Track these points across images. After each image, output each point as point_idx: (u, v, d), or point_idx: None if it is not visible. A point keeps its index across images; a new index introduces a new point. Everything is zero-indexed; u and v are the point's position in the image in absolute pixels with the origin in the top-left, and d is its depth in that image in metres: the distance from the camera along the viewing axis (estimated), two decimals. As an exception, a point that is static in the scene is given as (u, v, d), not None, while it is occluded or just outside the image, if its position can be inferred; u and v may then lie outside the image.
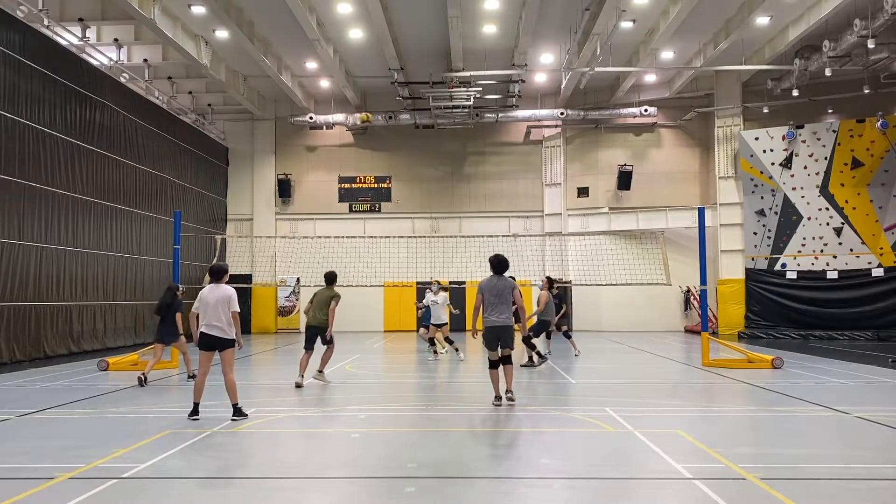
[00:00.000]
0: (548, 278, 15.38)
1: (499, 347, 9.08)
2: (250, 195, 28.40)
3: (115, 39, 20.37)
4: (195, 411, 8.28)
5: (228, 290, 8.37)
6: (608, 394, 10.38)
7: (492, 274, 9.15)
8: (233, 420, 8.11)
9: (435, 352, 15.97)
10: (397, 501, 5.20)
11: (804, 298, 23.03)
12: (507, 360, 9.13)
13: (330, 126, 27.51)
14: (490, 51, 22.47)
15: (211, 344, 8.29)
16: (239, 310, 8.39)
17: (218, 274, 8.59)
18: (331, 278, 11.64)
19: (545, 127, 28.05)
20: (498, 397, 9.11)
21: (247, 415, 8.33)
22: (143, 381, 11.24)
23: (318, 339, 11.38)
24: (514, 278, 9.78)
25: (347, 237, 20.32)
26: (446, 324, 15.90)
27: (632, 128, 27.62)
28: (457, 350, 15.92)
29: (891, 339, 20.68)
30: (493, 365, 9.15)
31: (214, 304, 8.27)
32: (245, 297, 26.04)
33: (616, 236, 25.57)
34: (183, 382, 11.93)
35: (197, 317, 8.41)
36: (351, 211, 28.30)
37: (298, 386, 11.04)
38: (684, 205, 26.13)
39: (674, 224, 25.74)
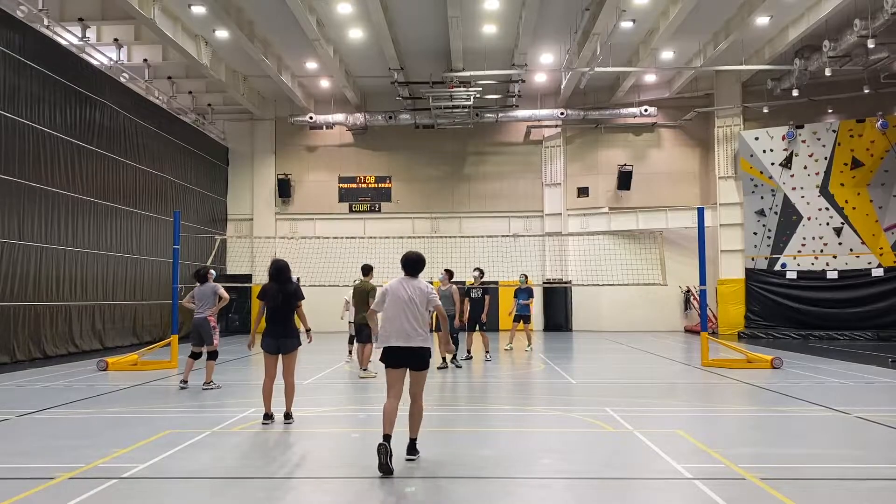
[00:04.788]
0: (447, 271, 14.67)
1: None
2: (250, 195, 28.39)
3: (115, 39, 20.37)
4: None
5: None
6: (608, 394, 10.38)
7: None
8: (204, 388, 10.56)
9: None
10: (397, 501, 5.20)
11: (804, 298, 23.03)
12: None
13: (330, 126, 27.51)
14: (490, 51, 22.47)
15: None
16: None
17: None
18: (363, 271, 12.70)
19: (545, 127, 28.05)
20: None
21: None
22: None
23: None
24: None
25: (347, 237, 20.26)
26: None
27: (632, 128, 27.62)
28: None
29: (891, 339, 20.67)
30: None
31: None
32: (245, 297, 26.03)
33: (616, 236, 25.57)
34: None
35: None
36: (351, 211, 28.29)
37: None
38: (684, 205, 26.13)
39: (674, 224, 25.74)
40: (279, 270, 8.22)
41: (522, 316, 17.66)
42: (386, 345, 6.36)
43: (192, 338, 11.28)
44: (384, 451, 5.75)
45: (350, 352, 15.81)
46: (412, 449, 6.36)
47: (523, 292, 17.76)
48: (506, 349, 18.00)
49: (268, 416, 8.00)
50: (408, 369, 6.40)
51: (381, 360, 6.41)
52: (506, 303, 25.15)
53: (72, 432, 7.67)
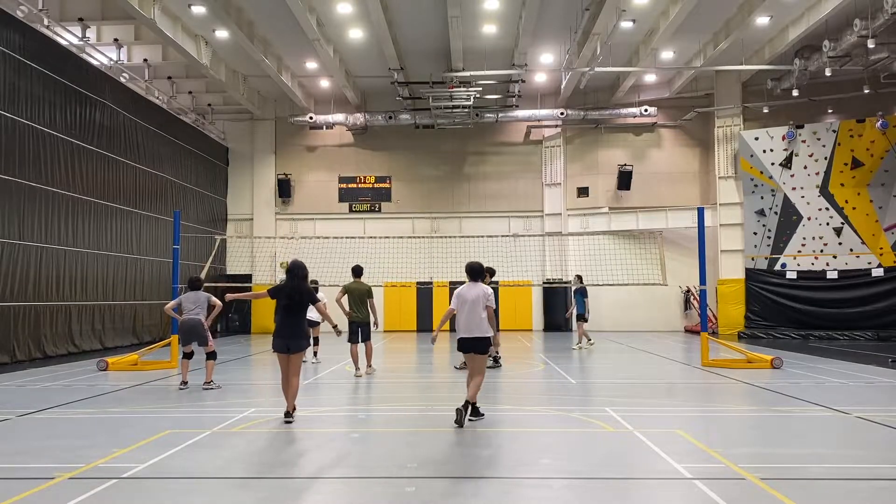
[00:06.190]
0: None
1: None
2: (250, 195, 28.40)
3: (115, 39, 20.38)
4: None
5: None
6: (608, 394, 10.38)
7: None
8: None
9: None
10: (397, 501, 5.20)
11: (804, 298, 23.03)
12: None
13: (330, 126, 27.52)
14: (490, 51, 22.47)
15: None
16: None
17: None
18: (358, 271, 12.88)
19: (545, 127, 28.05)
20: None
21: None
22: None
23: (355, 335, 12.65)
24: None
25: (347, 237, 20.27)
26: None
27: (632, 128, 27.63)
28: None
29: (891, 339, 20.67)
30: None
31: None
32: (245, 297, 25.99)
33: (616, 236, 25.58)
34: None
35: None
36: (351, 211, 28.30)
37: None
38: (684, 205, 26.13)
39: (674, 224, 25.75)
40: (295, 268, 8.38)
41: (580, 315, 18.45)
42: (458, 336, 8.22)
43: (182, 338, 11.16)
44: (460, 412, 7.75)
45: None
46: (475, 412, 8.11)
47: (578, 293, 18.41)
48: (582, 347, 18.38)
49: (288, 415, 8.15)
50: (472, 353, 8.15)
51: (458, 349, 8.24)
52: (506, 303, 25.19)
53: (72, 432, 7.67)
